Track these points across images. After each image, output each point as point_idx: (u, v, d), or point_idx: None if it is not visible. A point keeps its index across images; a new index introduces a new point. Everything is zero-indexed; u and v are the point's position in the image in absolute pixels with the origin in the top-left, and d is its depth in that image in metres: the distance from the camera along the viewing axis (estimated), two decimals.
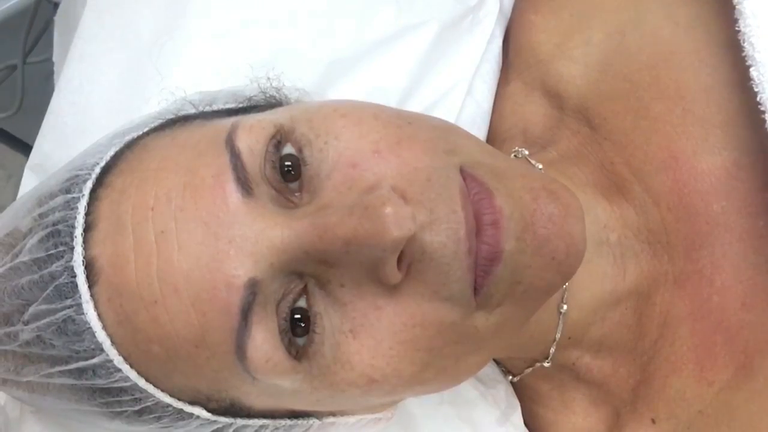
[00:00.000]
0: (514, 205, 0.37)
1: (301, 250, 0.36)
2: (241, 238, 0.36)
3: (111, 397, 0.40)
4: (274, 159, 0.38)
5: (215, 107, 0.46)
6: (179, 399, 0.40)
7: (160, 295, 0.36)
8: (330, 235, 0.35)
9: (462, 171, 0.38)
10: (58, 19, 0.67)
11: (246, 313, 0.36)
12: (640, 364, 0.50)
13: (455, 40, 0.58)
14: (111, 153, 0.42)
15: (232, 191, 0.37)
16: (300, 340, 0.38)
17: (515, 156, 0.54)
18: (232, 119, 0.40)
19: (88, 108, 0.56)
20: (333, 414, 0.46)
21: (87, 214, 0.39)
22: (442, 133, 0.41)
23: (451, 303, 0.37)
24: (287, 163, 0.38)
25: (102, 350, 0.38)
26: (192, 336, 0.37)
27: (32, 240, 0.40)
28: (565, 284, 0.47)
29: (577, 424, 0.53)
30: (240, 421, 0.42)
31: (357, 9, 0.57)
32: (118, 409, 0.40)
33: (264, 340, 0.37)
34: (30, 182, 0.57)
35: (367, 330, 0.37)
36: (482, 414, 0.55)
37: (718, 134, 0.47)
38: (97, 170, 0.41)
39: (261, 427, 0.44)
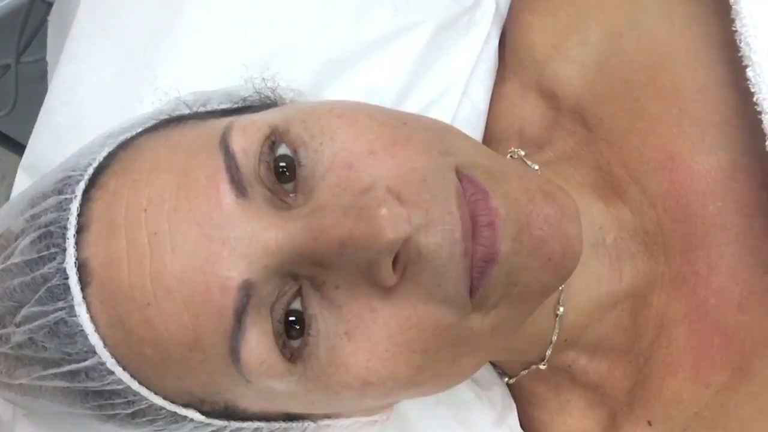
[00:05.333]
0: (510, 206, 0.37)
1: (296, 252, 0.36)
2: (235, 240, 0.36)
3: (104, 399, 0.39)
4: (269, 160, 0.38)
5: (209, 107, 0.46)
6: (173, 402, 0.40)
7: (153, 297, 0.36)
8: (325, 237, 0.35)
9: (458, 172, 0.38)
10: (52, 18, 0.66)
11: (240, 316, 0.36)
12: (636, 366, 0.50)
13: (451, 41, 0.58)
14: (104, 154, 0.42)
15: (226, 192, 0.36)
16: (294, 343, 0.38)
17: (511, 156, 0.54)
18: (227, 120, 0.40)
19: (82, 108, 0.55)
20: (328, 416, 0.45)
21: (79, 216, 0.39)
22: (438, 133, 0.41)
23: (446, 305, 0.37)
24: (282, 163, 0.38)
25: (94, 353, 0.38)
26: (185, 338, 0.36)
27: (24, 241, 0.40)
28: (561, 286, 0.47)
29: (572, 426, 0.53)
30: (234, 424, 0.42)
31: (352, 9, 0.57)
32: (111, 412, 0.40)
33: (258, 342, 0.36)
34: (23, 183, 0.57)
35: (362, 332, 0.37)
36: (478, 416, 0.55)
37: (714, 135, 0.47)
38: (90, 171, 0.41)
39: (255, 429, 0.44)
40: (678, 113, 0.48)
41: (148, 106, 0.48)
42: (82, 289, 0.37)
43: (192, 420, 0.41)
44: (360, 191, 0.36)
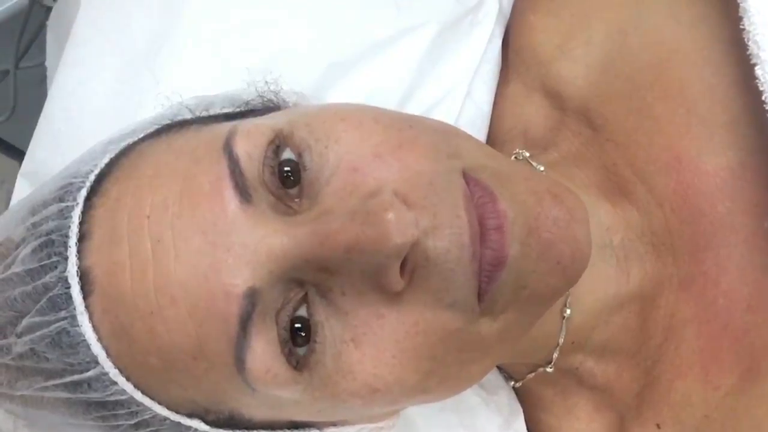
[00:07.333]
0: (518, 209, 0.37)
1: (301, 258, 0.35)
2: (239, 246, 0.35)
3: (107, 410, 0.39)
4: (273, 164, 0.37)
5: (212, 112, 0.46)
6: (177, 412, 0.39)
7: (156, 305, 0.35)
8: (331, 242, 0.35)
9: (465, 175, 0.38)
10: (51, 23, 0.66)
11: (245, 323, 0.35)
12: (644, 368, 0.49)
13: (455, 41, 0.58)
14: (105, 160, 0.41)
15: (231, 198, 0.36)
16: (300, 350, 0.37)
17: (516, 158, 0.54)
18: (230, 124, 0.40)
19: (82, 114, 0.55)
20: (334, 424, 0.45)
21: (81, 223, 0.38)
22: (444, 136, 0.40)
23: (454, 310, 0.37)
24: (286, 168, 0.37)
25: (97, 363, 0.37)
26: (190, 347, 0.36)
27: (25, 250, 0.39)
28: (569, 289, 0.46)
29: (580, 429, 0.53)
30: None
31: (355, 11, 0.56)
32: (114, 423, 0.40)
33: (264, 350, 0.36)
34: (23, 189, 0.56)
35: (369, 339, 0.36)
36: (485, 421, 0.54)
37: (722, 134, 0.47)
38: (92, 178, 0.40)
39: None
40: (685, 113, 0.48)
41: (149, 110, 0.48)
42: (84, 298, 0.37)
43: (196, 430, 0.40)
44: (366, 195, 0.36)
